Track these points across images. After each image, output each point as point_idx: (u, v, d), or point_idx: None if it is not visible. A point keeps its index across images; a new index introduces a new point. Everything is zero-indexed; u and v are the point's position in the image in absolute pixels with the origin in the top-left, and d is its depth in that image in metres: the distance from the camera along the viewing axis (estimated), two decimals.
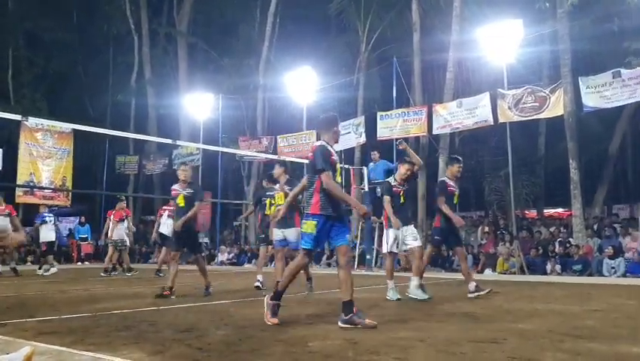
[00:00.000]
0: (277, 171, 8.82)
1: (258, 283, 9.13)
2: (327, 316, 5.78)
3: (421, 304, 6.92)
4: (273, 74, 22.82)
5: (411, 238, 7.58)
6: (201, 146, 19.89)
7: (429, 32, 20.13)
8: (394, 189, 7.61)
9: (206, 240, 22.83)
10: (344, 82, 21.26)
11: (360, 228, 16.80)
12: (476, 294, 7.55)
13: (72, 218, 24.22)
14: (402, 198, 7.64)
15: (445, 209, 7.93)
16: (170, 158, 23.86)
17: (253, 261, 19.95)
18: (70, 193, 23.72)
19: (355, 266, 15.42)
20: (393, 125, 17.41)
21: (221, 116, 22.62)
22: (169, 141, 13.79)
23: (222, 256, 20.67)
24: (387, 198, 7.61)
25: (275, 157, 16.49)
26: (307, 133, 19.83)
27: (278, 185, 8.83)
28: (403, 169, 7.65)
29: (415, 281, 7.50)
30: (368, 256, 15.37)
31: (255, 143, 21.47)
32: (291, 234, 8.29)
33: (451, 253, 14.96)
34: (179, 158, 23.15)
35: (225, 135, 22.79)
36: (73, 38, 29.38)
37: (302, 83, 19.71)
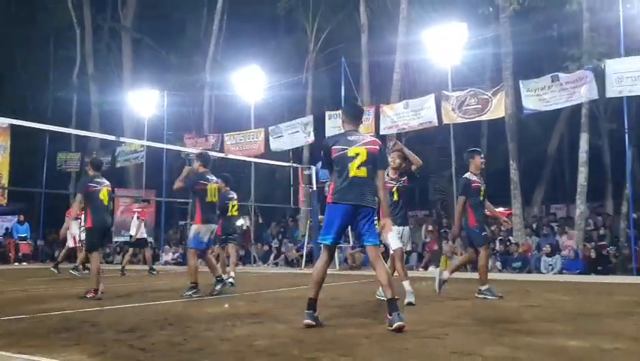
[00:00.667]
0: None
1: (231, 280, 9.09)
2: (274, 314, 5.77)
3: (368, 302, 6.99)
4: (221, 72, 22.58)
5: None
6: (146, 143, 19.48)
7: (377, 34, 20.39)
8: (387, 184, 6.41)
9: (150, 239, 22.37)
10: (292, 81, 21.26)
11: (308, 227, 16.86)
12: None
13: (9, 217, 23.24)
14: (395, 194, 6.86)
15: (458, 213, 7.43)
16: (113, 155, 23.23)
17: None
18: (5, 191, 22.74)
19: (303, 265, 15.48)
20: (341, 124, 17.48)
21: (166, 113, 22.23)
22: (112, 137, 13.45)
23: (167, 256, 20.30)
24: None
25: (222, 155, 16.32)
26: (255, 131, 19.73)
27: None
28: (391, 159, 6.86)
29: (407, 286, 6.79)
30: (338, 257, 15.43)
31: (202, 141, 21.19)
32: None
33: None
34: (123, 155, 22.60)
35: (171, 133, 22.40)
36: (11, 31, 28.16)
37: (250, 82, 19.58)
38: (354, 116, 5.28)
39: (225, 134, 20.69)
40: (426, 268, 14.90)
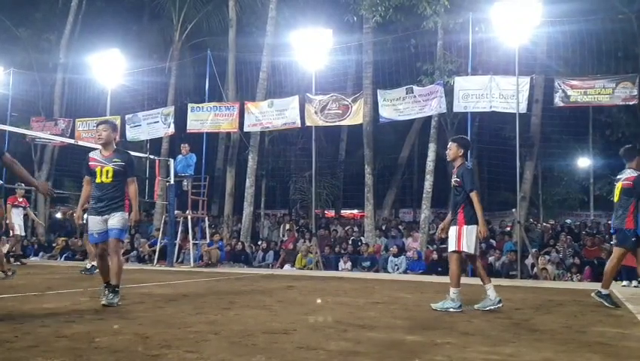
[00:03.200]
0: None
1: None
2: (119, 310, 5.50)
3: (220, 299, 6.92)
4: (77, 53, 21.08)
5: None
6: None
7: (245, 30, 20.29)
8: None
9: None
10: (155, 69, 20.45)
11: (163, 222, 16.32)
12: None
13: None
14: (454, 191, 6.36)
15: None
16: None
17: (41, 253, 18.34)
18: None
19: (155, 261, 14.96)
20: (204, 118, 17.21)
21: (11, 92, 20.33)
22: None
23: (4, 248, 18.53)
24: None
25: (71, 141, 15.25)
26: (110, 119, 18.66)
27: None
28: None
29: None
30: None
31: (50, 125, 19.69)
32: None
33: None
34: None
35: (15, 114, 20.54)
36: None
37: (108, 66, 18.47)
38: None
39: (77, 120, 19.38)
40: (282, 265, 15.09)
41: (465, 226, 6.08)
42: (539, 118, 15.82)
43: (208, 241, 15.58)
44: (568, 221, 19.04)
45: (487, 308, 6.10)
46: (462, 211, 6.12)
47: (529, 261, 13.14)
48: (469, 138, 14.36)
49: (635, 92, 13.56)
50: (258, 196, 19.22)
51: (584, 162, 21.71)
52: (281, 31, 17.58)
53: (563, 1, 15.18)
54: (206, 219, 16.17)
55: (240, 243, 16.30)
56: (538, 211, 20.82)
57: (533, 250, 13.60)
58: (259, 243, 16.70)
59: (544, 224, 17.36)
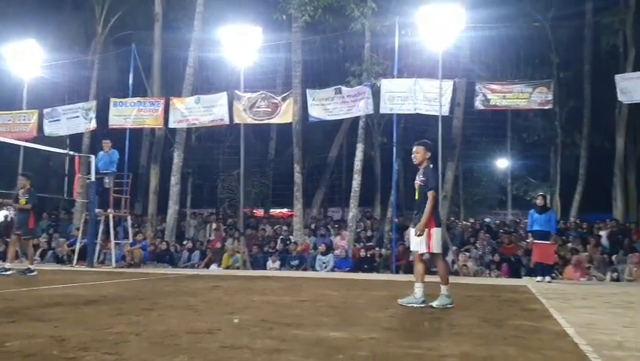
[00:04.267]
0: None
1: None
2: (33, 313, 5.24)
3: (142, 300, 6.73)
4: None
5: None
6: None
7: (172, 25, 19.83)
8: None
9: None
10: (76, 62, 19.60)
11: (83, 220, 15.68)
12: None
13: None
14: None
15: None
16: None
17: None
18: None
19: (75, 262, 14.37)
20: (127, 113, 16.67)
21: None
22: None
23: None
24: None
25: None
26: (27, 112, 17.72)
27: None
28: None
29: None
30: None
31: None
32: None
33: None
34: None
35: None
36: None
37: (24, 57, 17.50)
38: None
39: None
40: (208, 265, 14.86)
41: (434, 228, 6.30)
42: (461, 121, 16.38)
43: (131, 240, 15.12)
44: (487, 220, 19.84)
45: (410, 305, 6.26)
46: (433, 214, 6.33)
47: (450, 258, 13.59)
48: (394, 139, 14.88)
49: (550, 97, 14.30)
50: (183, 195, 18.85)
51: (502, 164, 22.70)
52: (209, 27, 17.29)
53: (484, 7, 15.85)
54: (129, 218, 15.69)
55: (164, 243, 15.92)
56: (459, 210, 21.61)
57: (454, 247, 14.11)
58: (184, 243, 16.38)
59: (465, 222, 18.03)
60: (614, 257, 13.15)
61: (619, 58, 17.66)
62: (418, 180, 6.47)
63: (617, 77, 14.29)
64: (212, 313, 5.47)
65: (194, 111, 16.16)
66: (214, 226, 17.44)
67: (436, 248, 6.33)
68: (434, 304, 6.18)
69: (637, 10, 17.09)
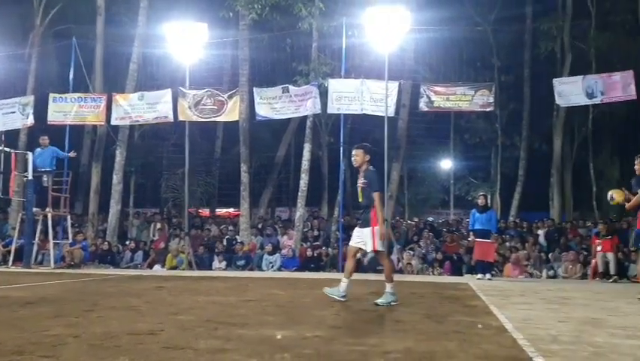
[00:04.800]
0: None
1: None
2: None
3: (82, 301, 6.53)
4: None
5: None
6: None
7: (115, 20, 19.29)
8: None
9: None
10: (13, 55, 18.78)
11: (20, 220, 15.07)
12: None
13: None
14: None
15: None
16: None
17: None
18: None
19: (10, 263, 13.81)
20: (67, 110, 16.13)
21: None
22: None
23: None
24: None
25: None
26: None
27: None
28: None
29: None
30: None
31: None
32: None
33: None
34: None
35: None
36: None
37: None
38: None
39: None
40: (151, 266, 14.56)
41: (377, 227, 6.39)
42: (406, 122, 16.66)
43: (70, 240, 14.65)
44: (430, 219, 20.28)
45: (332, 296, 6.47)
46: (376, 212, 6.42)
47: (395, 256, 13.80)
48: (342, 139, 14.99)
49: (492, 100, 14.74)
50: (126, 194, 18.39)
51: (445, 164, 23.22)
52: (154, 23, 16.93)
53: (429, 10, 16.19)
54: (69, 217, 15.20)
55: (106, 243, 15.50)
56: (404, 210, 21.97)
57: (398, 246, 14.34)
58: (127, 243, 15.99)
59: (409, 222, 18.35)
60: (550, 255, 13.68)
61: (556, 63, 18.33)
62: (360, 182, 6.63)
63: (555, 81, 14.90)
64: (155, 314, 5.36)
65: (138, 108, 15.79)
66: (158, 225, 17.08)
67: (380, 246, 6.43)
68: (379, 301, 6.27)
69: (574, 17, 17.81)
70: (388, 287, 6.38)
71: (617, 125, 18.64)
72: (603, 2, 17.41)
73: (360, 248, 6.64)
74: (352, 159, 6.75)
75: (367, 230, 6.46)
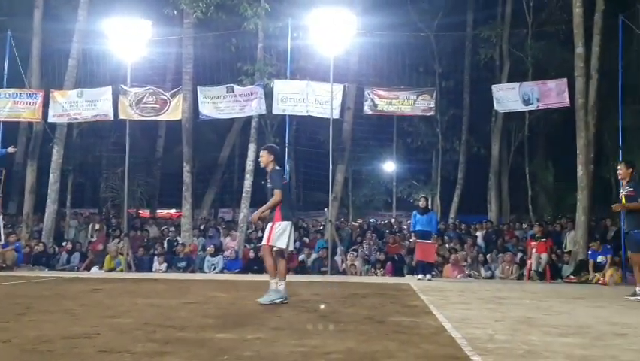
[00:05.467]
0: None
1: None
2: None
3: (15, 305, 6.27)
4: None
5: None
6: None
7: (54, 14, 18.60)
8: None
9: None
10: None
11: None
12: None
13: None
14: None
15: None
16: None
17: None
18: None
19: None
20: (1, 106, 15.51)
21: None
22: None
23: None
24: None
25: None
26: None
27: None
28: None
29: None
30: None
31: None
32: None
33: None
34: None
35: None
36: None
37: None
38: None
39: None
40: (88, 268, 14.13)
41: (278, 223, 6.56)
42: (350, 124, 16.80)
43: (2, 242, 14.04)
44: (373, 220, 20.51)
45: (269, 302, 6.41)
46: (279, 210, 6.63)
47: (338, 257, 13.92)
48: (287, 140, 14.99)
49: (433, 105, 15.10)
50: (63, 193, 17.74)
51: (388, 167, 23.55)
52: (95, 18, 16.42)
53: (374, 15, 16.41)
54: (1, 218, 14.55)
55: (40, 244, 14.94)
56: (348, 211, 22.16)
57: (341, 247, 14.46)
58: (64, 244, 15.45)
59: (353, 223, 18.53)
60: (488, 256, 14.10)
61: (495, 70, 18.91)
62: (269, 182, 6.88)
63: (494, 88, 15.41)
64: (91, 317, 5.22)
65: (77, 105, 15.33)
66: (96, 226, 16.62)
67: (279, 242, 6.57)
68: (261, 300, 6.38)
69: (512, 26, 18.43)
70: (273, 284, 6.52)
71: (551, 131, 19.35)
72: (540, 12, 18.06)
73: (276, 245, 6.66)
74: (259, 159, 7.08)
75: (268, 225, 6.69)
